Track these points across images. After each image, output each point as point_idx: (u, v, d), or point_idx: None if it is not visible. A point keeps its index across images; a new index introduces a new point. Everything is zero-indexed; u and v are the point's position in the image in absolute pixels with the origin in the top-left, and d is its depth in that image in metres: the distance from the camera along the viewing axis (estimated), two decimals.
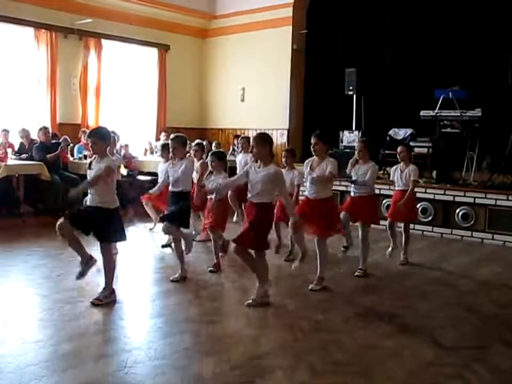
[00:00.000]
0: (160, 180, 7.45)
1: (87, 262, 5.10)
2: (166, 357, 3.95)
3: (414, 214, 7.49)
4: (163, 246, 7.65)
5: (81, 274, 5.12)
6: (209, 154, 6.62)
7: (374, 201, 6.62)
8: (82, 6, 11.29)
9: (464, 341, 4.44)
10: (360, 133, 10.80)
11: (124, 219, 5.35)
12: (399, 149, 7.10)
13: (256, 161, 5.04)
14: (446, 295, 5.78)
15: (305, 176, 5.79)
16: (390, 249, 7.12)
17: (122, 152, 11.02)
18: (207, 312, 5.02)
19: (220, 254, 6.43)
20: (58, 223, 4.92)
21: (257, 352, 4.12)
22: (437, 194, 9.10)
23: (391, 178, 7.24)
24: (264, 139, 4.99)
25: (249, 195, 4.99)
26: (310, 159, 5.81)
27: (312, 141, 5.66)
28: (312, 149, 5.69)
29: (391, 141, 10.50)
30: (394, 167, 7.15)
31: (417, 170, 6.98)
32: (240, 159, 8.29)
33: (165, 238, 7.69)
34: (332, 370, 3.80)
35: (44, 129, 9.66)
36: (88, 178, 5.03)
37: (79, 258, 5.13)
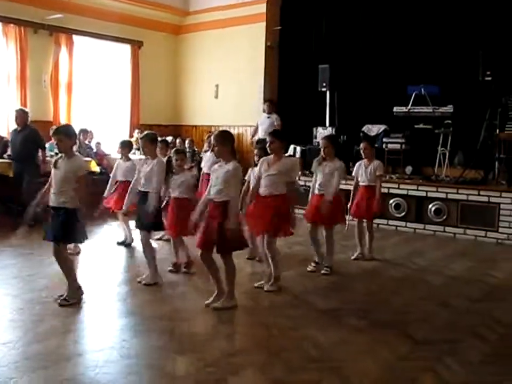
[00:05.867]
0: (112, 179, 7.40)
1: (77, 290, 5.05)
2: (138, 356, 3.91)
3: (377, 210, 7.11)
4: (119, 244, 7.53)
5: (66, 300, 4.99)
6: (173, 151, 6.39)
7: (339, 201, 6.36)
8: (53, 1, 11.13)
9: (437, 335, 4.48)
10: (333, 129, 10.84)
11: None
12: (362, 145, 7.10)
13: (217, 158, 4.99)
14: (418, 290, 5.83)
15: (259, 174, 5.63)
16: (356, 254, 7.09)
17: (95, 149, 10.92)
18: (180, 310, 4.99)
19: (184, 270, 6.21)
20: (54, 249, 4.90)
21: (231, 349, 4.10)
22: (410, 190, 9.17)
23: (353, 174, 7.16)
24: (224, 137, 4.91)
25: (211, 193, 4.87)
26: (265, 157, 5.71)
27: (268, 139, 5.60)
28: (268, 148, 5.62)
29: (364, 137, 10.53)
30: (358, 163, 7.12)
31: (382, 165, 7.02)
32: (209, 157, 8.11)
33: (122, 236, 7.61)
34: (306, 367, 3.80)
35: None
36: (54, 176, 4.92)
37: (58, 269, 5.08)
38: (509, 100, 9.11)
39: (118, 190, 7.31)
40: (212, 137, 5.06)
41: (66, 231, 4.85)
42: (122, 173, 7.40)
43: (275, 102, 11.91)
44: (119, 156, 7.82)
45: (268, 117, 11.42)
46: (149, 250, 5.76)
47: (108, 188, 7.35)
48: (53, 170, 4.96)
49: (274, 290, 5.56)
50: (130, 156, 7.78)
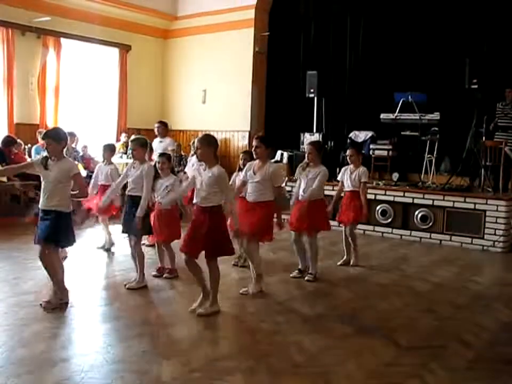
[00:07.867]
0: (94, 180, 7.37)
1: (62, 295, 5.00)
2: (124, 361, 3.89)
3: (359, 216, 6.96)
4: (98, 248, 7.48)
5: (49, 303, 4.94)
6: (158, 156, 6.39)
7: (322, 207, 6.36)
8: (41, 3, 11.08)
9: (422, 341, 4.49)
10: (321, 135, 10.88)
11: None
12: (348, 151, 7.10)
13: (200, 161, 4.97)
14: (404, 296, 5.85)
15: (244, 178, 5.67)
16: (342, 260, 7.10)
17: (81, 153, 10.88)
18: (165, 314, 4.97)
19: (166, 275, 6.20)
20: (40, 251, 4.83)
21: (217, 354, 4.08)
22: (396, 196, 9.22)
23: (338, 179, 7.15)
24: (208, 140, 4.88)
25: (195, 199, 4.86)
26: (251, 162, 5.71)
27: (254, 143, 5.56)
28: (253, 152, 5.61)
29: (351, 143, 10.60)
30: (344, 168, 7.11)
31: (367, 172, 7.03)
32: (194, 161, 8.06)
33: (102, 241, 7.57)
34: (292, 372, 3.80)
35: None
36: (44, 179, 4.88)
37: (45, 273, 5.03)
38: (499, 107, 9.28)
39: (99, 193, 7.27)
40: (196, 140, 5.07)
41: (57, 234, 4.82)
42: (103, 176, 7.38)
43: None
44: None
45: (161, 141, 9.77)
46: (138, 255, 5.73)
47: (90, 189, 7.22)
48: (42, 172, 4.88)
49: (259, 291, 5.56)
50: (117, 159, 7.74)
